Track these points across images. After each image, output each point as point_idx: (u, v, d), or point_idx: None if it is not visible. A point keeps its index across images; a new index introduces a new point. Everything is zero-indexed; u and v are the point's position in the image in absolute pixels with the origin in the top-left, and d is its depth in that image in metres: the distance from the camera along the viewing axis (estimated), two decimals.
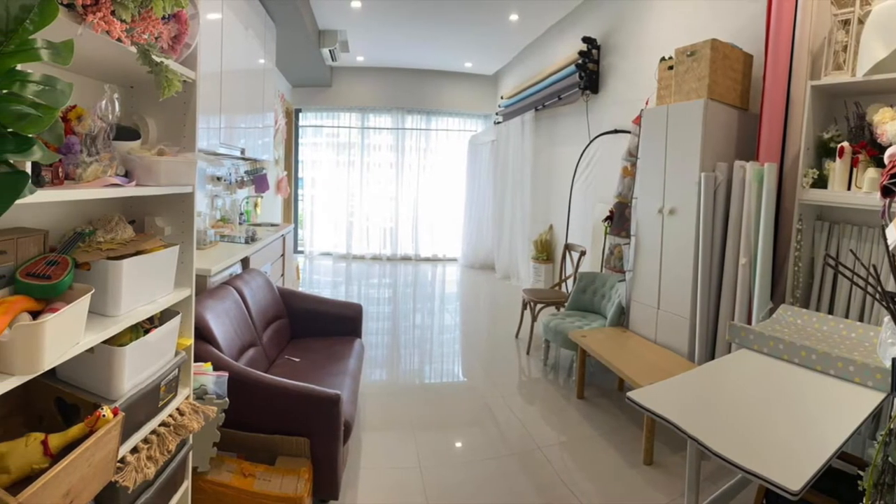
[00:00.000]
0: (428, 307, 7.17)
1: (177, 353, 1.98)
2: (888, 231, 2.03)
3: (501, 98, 9.25)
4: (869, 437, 2.42)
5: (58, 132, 1.23)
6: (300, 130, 10.29)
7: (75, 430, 1.39)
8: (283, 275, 5.34)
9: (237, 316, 3.10)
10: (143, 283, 1.74)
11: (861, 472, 1.62)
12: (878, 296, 1.90)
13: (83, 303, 1.39)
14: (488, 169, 9.53)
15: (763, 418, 1.85)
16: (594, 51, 5.97)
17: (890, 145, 2.48)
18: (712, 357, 3.36)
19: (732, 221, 3.31)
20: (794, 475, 1.44)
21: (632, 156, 4.40)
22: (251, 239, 4.40)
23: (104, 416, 1.42)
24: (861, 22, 2.74)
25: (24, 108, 1.05)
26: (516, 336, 5.56)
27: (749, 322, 3.12)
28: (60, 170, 1.41)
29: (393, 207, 10.53)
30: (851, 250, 2.83)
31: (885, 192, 2.25)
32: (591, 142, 5.88)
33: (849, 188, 2.77)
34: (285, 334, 3.77)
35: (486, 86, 10.33)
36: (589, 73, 5.98)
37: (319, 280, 8.59)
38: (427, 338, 5.77)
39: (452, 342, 5.70)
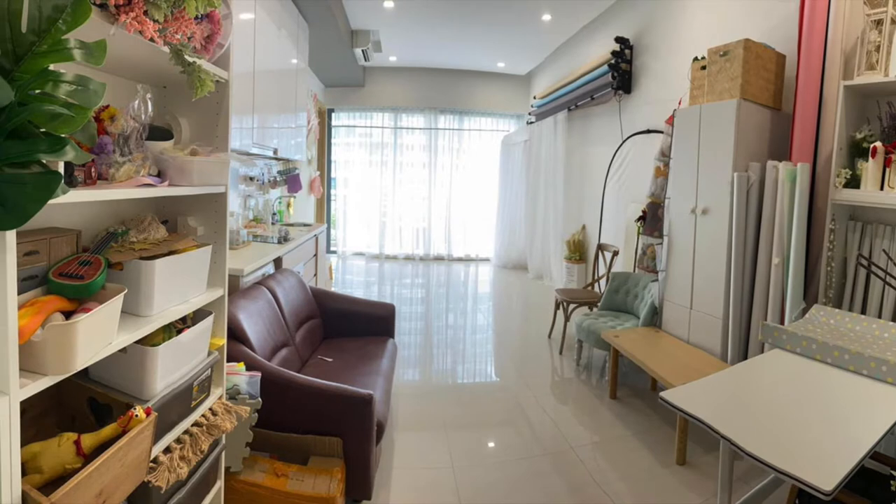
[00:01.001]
0: (461, 307, 7.14)
1: (209, 353, 1.98)
2: None
3: (534, 98, 9.17)
4: None
5: (90, 132, 1.23)
6: (333, 130, 10.35)
7: (108, 430, 1.39)
8: (315, 275, 5.36)
9: (270, 316, 3.11)
10: (176, 283, 1.74)
11: (894, 473, 1.59)
12: None
13: (116, 303, 1.39)
14: (521, 169, 9.46)
15: (796, 418, 1.84)
16: (627, 51, 5.92)
17: None
18: (745, 357, 3.34)
19: (765, 221, 3.28)
20: (827, 475, 1.43)
21: (664, 156, 4.37)
22: (284, 239, 4.42)
23: (137, 416, 1.42)
24: (894, 22, 2.71)
25: (56, 108, 1.04)
26: (549, 336, 5.53)
27: (782, 322, 3.10)
28: (93, 170, 1.41)
29: (426, 207, 10.52)
30: (884, 250, 2.81)
31: None
32: (623, 142, 5.84)
33: (881, 188, 2.74)
34: (318, 334, 3.78)
35: (518, 86, 10.27)
36: (622, 73, 5.93)
37: (352, 280, 8.61)
38: (460, 338, 5.74)
39: (485, 342, 5.66)
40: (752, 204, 3.34)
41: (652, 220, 4.56)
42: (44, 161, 1.07)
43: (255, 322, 2.86)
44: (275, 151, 4.80)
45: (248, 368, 2.42)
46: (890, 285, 2.05)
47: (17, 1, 1.00)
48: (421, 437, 3.38)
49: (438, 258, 10.53)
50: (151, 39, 1.45)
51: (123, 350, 1.48)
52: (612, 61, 5.92)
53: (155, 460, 1.61)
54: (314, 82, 8.52)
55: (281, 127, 4.98)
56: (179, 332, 1.76)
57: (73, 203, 1.25)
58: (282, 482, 2.30)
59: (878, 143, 2.73)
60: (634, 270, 5.05)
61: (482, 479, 2.93)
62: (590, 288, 5.88)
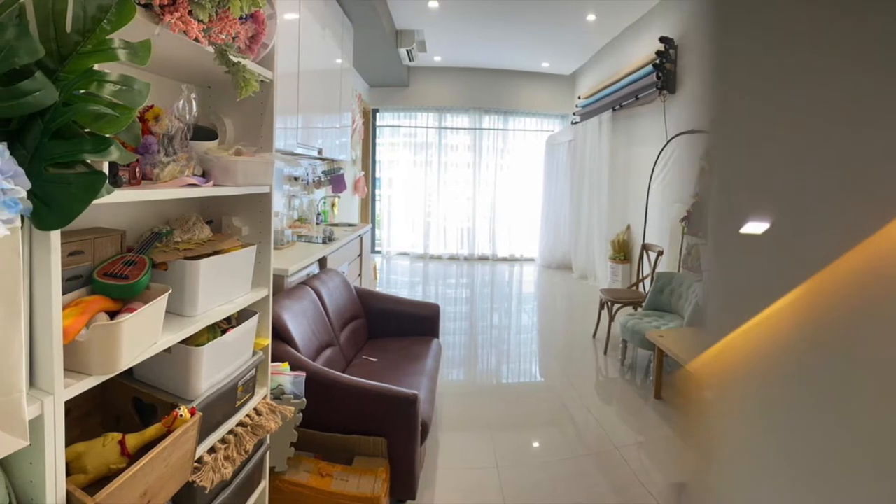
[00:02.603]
0: (505, 307, 7.10)
1: (254, 353, 1.98)
2: None
3: (579, 98, 9.07)
4: None
5: (135, 132, 1.22)
6: (377, 130, 10.39)
7: (152, 430, 1.39)
8: (360, 275, 5.37)
9: (314, 316, 3.11)
10: (221, 284, 1.74)
11: None
12: None
13: (160, 303, 1.39)
14: (565, 169, 9.35)
15: None
16: (671, 51, 5.82)
17: None
18: None
19: None
20: None
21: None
22: (328, 239, 4.43)
23: (181, 416, 1.42)
24: None
25: (101, 108, 1.04)
26: (593, 336, 5.45)
27: None
28: (138, 170, 1.42)
29: (470, 207, 10.47)
30: None
31: None
32: (668, 142, 5.75)
33: None
34: (363, 334, 3.78)
35: (563, 86, 10.12)
36: (666, 73, 5.84)
37: (397, 280, 8.64)
38: (504, 338, 5.70)
39: (529, 342, 5.61)
40: None
41: (697, 220, 4.48)
42: (88, 161, 1.07)
43: (299, 322, 2.87)
44: (319, 151, 4.83)
45: (293, 368, 2.42)
46: None
47: (62, 1, 1.00)
48: (465, 437, 3.36)
49: (483, 258, 10.46)
50: (196, 39, 1.45)
51: (168, 350, 1.48)
52: (657, 61, 5.84)
53: (199, 460, 1.62)
54: (359, 82, 8.56)
55: (325, 127, 5.00)
56: (224, 332, 1.76)
57: (117, 203, 1.25)
58: (326, 482, 2.29)
59: None
60: (679, 270, 4.98)
61: (527, 479, 2.91)
62: (634, 288, 5.78)
